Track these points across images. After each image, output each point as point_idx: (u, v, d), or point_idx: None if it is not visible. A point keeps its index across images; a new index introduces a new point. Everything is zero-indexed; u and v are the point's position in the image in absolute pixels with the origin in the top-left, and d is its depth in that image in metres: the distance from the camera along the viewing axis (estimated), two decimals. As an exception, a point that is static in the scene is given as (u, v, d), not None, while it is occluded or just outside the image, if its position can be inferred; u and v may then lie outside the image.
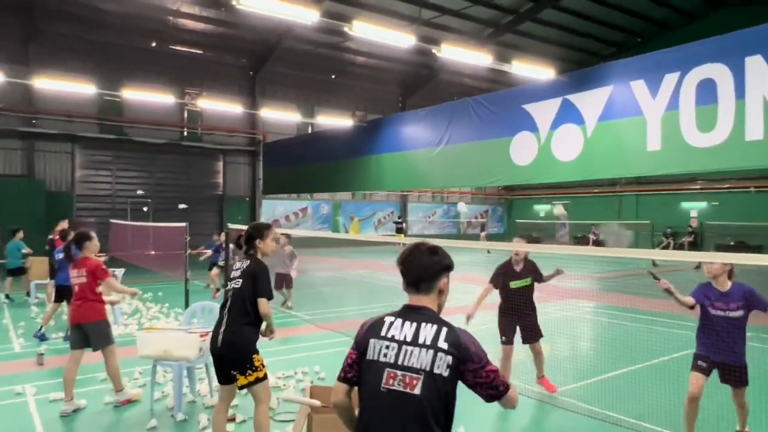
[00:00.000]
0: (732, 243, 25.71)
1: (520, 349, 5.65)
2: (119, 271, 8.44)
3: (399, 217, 30.95)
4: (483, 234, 30.97)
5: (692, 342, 4.19)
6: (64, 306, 8.14)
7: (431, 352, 1.95)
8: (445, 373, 1.92)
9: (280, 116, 25.03)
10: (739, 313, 3.95)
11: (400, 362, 1.97)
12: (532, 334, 5.51)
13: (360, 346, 2.09)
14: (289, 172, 21.08)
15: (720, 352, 3.96)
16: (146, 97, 20.53)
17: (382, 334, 2.05)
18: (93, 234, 5.38)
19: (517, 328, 5.54)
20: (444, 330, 2.00)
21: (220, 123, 25.09)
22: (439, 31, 23.18)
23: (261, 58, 25.37)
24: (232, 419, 4.68)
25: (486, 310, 5.61)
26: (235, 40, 23.85)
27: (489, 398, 2.02)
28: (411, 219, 32.28)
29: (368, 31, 10.68)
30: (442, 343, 1.96)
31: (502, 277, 5.53)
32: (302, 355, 7.01)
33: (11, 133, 20.20)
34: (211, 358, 3.97)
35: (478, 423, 4.73)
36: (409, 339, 2.00)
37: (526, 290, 5.48)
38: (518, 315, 5.44)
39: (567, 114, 11.05)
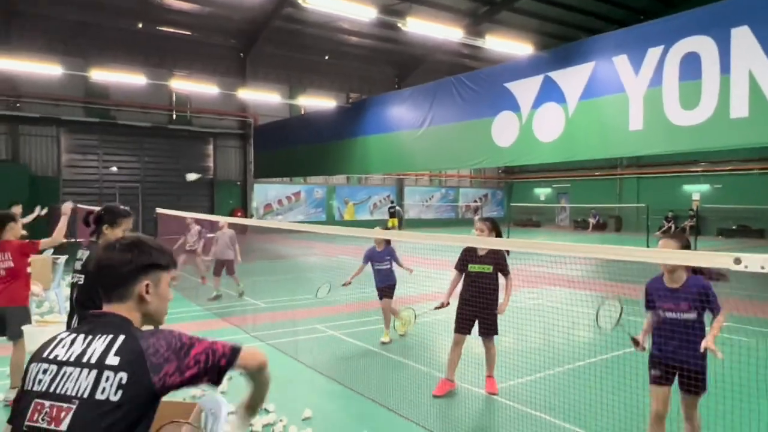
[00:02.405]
0: (734, 227, 24.99)
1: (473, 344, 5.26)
2: (62, 258, 8.05)
3: (392, 201, 30.00)
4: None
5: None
6: None
7: (94, 372, 1.47)
8: (116, 397, 1.45)
9: (271, 98, 24.50)
10: (692, 315, 3.27)
11: (52, 390, 1.49)
12: (486, 328, 5.13)
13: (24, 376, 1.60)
14: (279, 155, 20.71)
15: (677, 355, 3.32)
16: (132, 79, 20.07)
17: (44, 354, 1.57)
18: (16, 215, 5.00)
19: (476, 319, 5.16)
20: (120, 339, 1.52)
21: (209, 106, 24.64)
22: (432, 9, 22.44)
23: (251, 39, 24.80)
24: None
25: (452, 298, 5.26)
26: (223, 20, 23.26)
27: (217, 377, 1.64)
28: (408, 203, 31.75)
29: (326, 4, 10.13)
30: (112, 359, 1.48)
31: (464, 260, 5.23)
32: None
33: (-6, 117, 19.94)
34: None
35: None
36: (73, 358, 1.52)
37: (486, 277, 5.11)
38: (476, 302, 5.06)
39: (548, 92, 10.60)
